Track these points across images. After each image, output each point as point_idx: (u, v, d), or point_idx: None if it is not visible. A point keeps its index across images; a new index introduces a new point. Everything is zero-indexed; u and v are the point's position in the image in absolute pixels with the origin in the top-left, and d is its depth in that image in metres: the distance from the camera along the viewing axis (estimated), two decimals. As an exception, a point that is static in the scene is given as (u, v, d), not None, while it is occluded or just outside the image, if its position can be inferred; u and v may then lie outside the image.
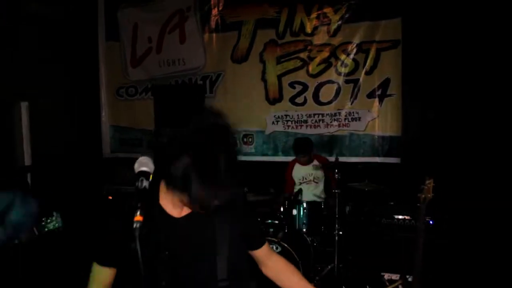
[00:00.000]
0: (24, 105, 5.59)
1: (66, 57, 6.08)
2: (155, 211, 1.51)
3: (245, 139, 6.25)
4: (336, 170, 4.43)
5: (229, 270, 1.52)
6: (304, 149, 5.03)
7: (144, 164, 1.40)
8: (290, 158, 5.45)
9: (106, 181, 5.82)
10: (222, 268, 1.51)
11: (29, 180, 5.52)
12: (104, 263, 1.57)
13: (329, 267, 4.38)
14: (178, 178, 1.30)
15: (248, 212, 1.70)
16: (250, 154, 6.22)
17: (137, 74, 6.70)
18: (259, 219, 1.85)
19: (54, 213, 2.83)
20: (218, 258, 1.52)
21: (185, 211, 1.53)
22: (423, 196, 2.94)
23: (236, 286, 1.56)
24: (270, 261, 1.77)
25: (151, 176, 1.37)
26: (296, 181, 5.16)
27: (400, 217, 3.96)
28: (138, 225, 1.26)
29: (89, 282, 1.60)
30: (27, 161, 5.65)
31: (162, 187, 1.53)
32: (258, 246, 1.72)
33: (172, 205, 1.52)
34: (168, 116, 5.83)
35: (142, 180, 1.35)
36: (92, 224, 3.35)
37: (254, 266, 1.75)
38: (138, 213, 1.27)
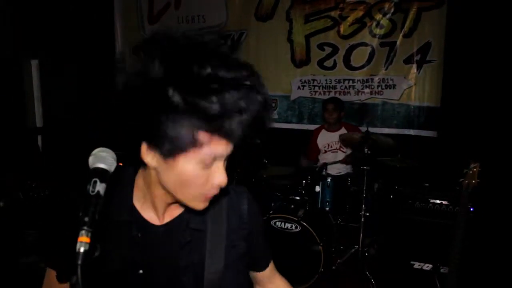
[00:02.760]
0: (34, 63, 5.32)
1: (79, 12, 5.73)
2: (124, 215, 1.12)
3: (268, 104, 5.89)
4: (366, 144, 4.04)
5: None
6: (334, 99, 4.76)
7: (102, 159, 1.00)
8: (315, 126, 5.16)
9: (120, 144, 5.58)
10: None
11: (40, 143, 5.32)
12: (54, 265, 1.19)
13: (353, 250, 4.10)
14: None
15: (254, 223, 1.27)
16: (273, 121, 5.85)
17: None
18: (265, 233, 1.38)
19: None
20: (207, 282, 1.15)
21: (168, 216, 1.16)
22: (467, 181, 2.68)
23: None
24: (272, 284, 1.43)
25: (108, 177, 0.99)
26: (321, 148, 4.86)
27: (437, 201, 3.57)
28: (82, 249, 0.88)
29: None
30: (39, 122, 5.43)
31: (139, 181, 1.14)
32: (262, 267, 1.37)
33: (152, 209, 1.15)
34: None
35: (95, 183, 0.96)
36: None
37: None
38: (84, 231, 0.89)
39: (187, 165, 0.96)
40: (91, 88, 5.90)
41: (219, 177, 1.01)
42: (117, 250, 1.10)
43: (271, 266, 1.39)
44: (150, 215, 1.15)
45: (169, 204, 1.14)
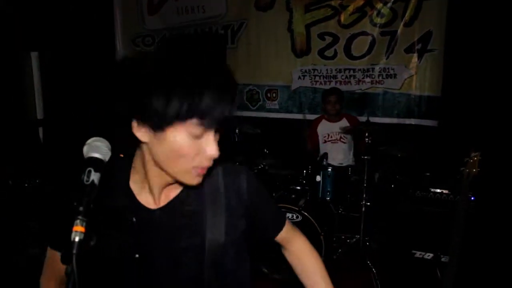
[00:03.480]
0: (34, 56, 5.30)
1: (78, 3, 5.70)
2: (120, 200, 1.14)
3: (268, 94, 5.93)
4: (367, 134, 4.04)
5: (222, 282, 1.20)
6: (334, 90, 4.71)
7: (96, 148, 1.00)
8: (316, 116, 5.11)
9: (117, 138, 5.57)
10: (212, 280, 1.17)
11: (41, 134, 5.31)
12: (57, 246, 1.22)
13: (354, 239, 4.10)
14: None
15: (254, 199, 1.27)
16: (274, 111, 5.92)
17: (154, 23, 6.30)
18: (272, 199, 1.57)
19: None
20: (206, 266, 1.16)
21: (164, 199, 1.17)
22: (467, 170, 2.64)
23: None
24: (292, 246, 1.45)
25: (103, 166, 0.99)
26: (321, 138, 4.83)
27: (437, 190, 3.56)
28: (77, 238, 0.88)
29: (43, 268, 1.29)
30: (39, 114, 5.41)
31: (135, 164, 1.15)
32: (274, 232, 1.39)
33: (147, 190, 1.16)
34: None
35: (89, 172, 0.96)
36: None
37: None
38: (79, 221, 0.90)
39: (177, 136, 1.00)
40: (91, 79, 5.89)
41: (209, 148, 1.04)
42: (113, 235, 1.11)
43: (286, 229, 1.40)
44: (146, 199, 1.16)
45: (165, 186, 1.15)
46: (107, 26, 6.37)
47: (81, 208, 0.91)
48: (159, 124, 0.98)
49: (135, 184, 1.16)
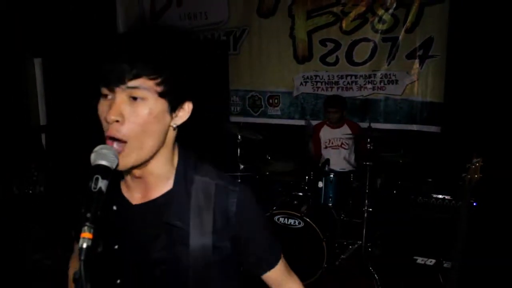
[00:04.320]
0: (37, 62, 5.32)
1: (81, 10, 5.72)
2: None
3: (270, 101, 5.95)
4: (369, 140, 4.05)
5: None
6: (335, 102, 4.67)
7: (103, 156, 1.01)
8: (318, 122, 5.08)
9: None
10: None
11: (44, 140, 5.32)
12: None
13: (356, 245, 4.10)
14: None
15: (245, 225, 1.17)
16: (276, 117, 5.93)
17: (156, 29, 6.30)
18: (268, 230, 1.27)
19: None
20: (192, 281, 1.11)
21: (143, 197, 1.13)
22: (469, 176, 2.63)
23: None
24: None
25: (110, 173, 1.00)
26: (322, 144, 4.83)
27: (440, 196, 3.56)
28: (85, 245, 0.89)
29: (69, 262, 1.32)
30: (42, 120, 5.43)
31: None
32: (263, 270, 1.25)
33: (131, 185, 1.14)
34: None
35: (97, 179, 0.97)
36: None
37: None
38: (87, 227, 0.91)
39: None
40: (94, 85, 5.91)
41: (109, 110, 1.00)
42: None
43: (278, 269, 1.26)
44: (127, 191, 1.15)
45: (134, 179, 1.12)
46: (110, 33, 6.40)
47: (88, 215, 0.91)
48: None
49: (123, 178, 1.16)
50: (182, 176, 1.14)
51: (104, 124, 1.02)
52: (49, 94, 5.43)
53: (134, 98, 0.99)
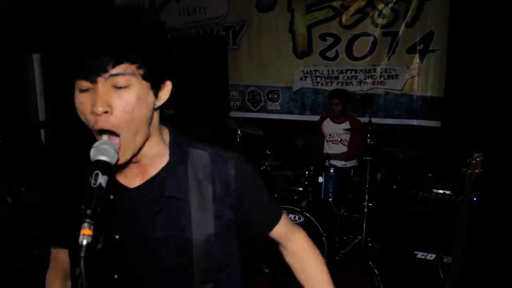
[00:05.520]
0: (36, 57, 5.29)
1: (80, 5, 5.69)
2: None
3: (270, 96, 5.94)
4: (369, 134, 4.04)
5: (213, 277, 1.13)
6: (339, 94, 4.67)
7: (103, 151, 1.00)
8: (317, 117, 5.10)
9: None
10: (202, 275, 1.11)
11: (43, 136, 5.31)
12: (59, 243, 1.21)
13: (356, 240, 4.10)
14: None
15: (245, 187, 1.18)
16: (275, 112, 5.93)
17: (156, 24, 6.28)
18: (267, 190, 1.27)
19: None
20: (195, 260, 1.09)
21: (140, 178, 1.11)
22: (470, 171, 2.60)
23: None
24: (291, 244, 1.35)
25: (110, 169, 0.98)
26: (326, 135, 4.81)
27: (440, 191, 3.55)
28: (85, 241, 0.88)
29: (49, 267, 1.28)
30: (41, 116, 5.41)
31: None
32: (268, 227, 1.27)
33: (126, 171, 1.11)
34: (187, 69, 5.53)
35: (97, 175, 0.96)
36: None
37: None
38: (87, 224, 0.89)
39: (75, 93, 1.02)
40: (70, 80, 5.89)
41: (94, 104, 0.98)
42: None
43: (283, 224, 1.29)
44: (124, 177, 1.11)
45: (130, 164, 1.09)
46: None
47: (88, 211, 0.90)
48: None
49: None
50: (176, 150, 1.14)
51: (90, 118, 1.00)
52: (48, 90, 5.41)
53: (118, 88, 0.97)
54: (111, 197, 1.08)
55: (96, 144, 1.01)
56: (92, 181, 0.95)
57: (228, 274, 1.18)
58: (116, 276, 1.10)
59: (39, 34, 5.16)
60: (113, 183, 1.07)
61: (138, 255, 1.10)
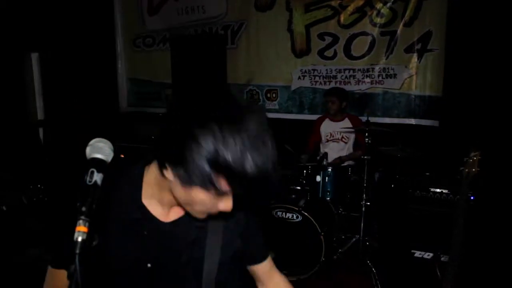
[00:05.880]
0: (34, 56, 5.29)
1: (79, 4, 5.69)
2: (134, 213, 1.16)
3: (268, 95, 5.93)
4: (366, 134, 4.05)
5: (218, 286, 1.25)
6: (334, 92, 4.67)
7: (99, 149, 1.01)
8: (315, 117, 5.09)
9: (121, 137, 5.55)
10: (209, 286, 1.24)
11: (41, 135, 5.31)
12: (60, 264, 1.22)
13: (354, 239, 4.11)
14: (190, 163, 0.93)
15: (251, 221, 1.33)
16: (273, 111, 5.90)
17: (154, 23, 6.33)
18: (261, 229, 1.43)
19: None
20: (205, 275, 1.22)
21: (174, 214, 1.21)
22: (467, 170, 2.62)
23: None
24: (271, 282, 1.44)
25: (106, 166, 1.00)
26: (323, 137, 4.81)
27: (437, 190, 3.56)
28: (80, 238, 0.89)
29: None
30: (40, 115, 5.42)
31: (148, 179, 1.17)
32: (259, 261, 1.40)
33: (159, 205, 1.19)
34: (186, 69, 5.54)
35: (92, 173, 0.97)
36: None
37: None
38: (82, 221, 0.90)
39: (201, 194, 1.00)
40: (92, 79, 5.89)
41: (225, 206, 1.06)
42: (127, 245, 1.16)
43: (269, 262, 1.41)
44: (157, 211, 1.19)
45: (176, 203, 1.17)
46: (107, 27, 6.38)
47: (83, 208, 0.91)
48: (189, 183, 0.97)
49: (146, 197, 1.18)
50: None
51: (207, 210, 1.07)
52: (47, 89, 5.41)
53: None
54: (145, 232, 1.17)
55: (91, 142, 1.03)
56: (88, 178, 0.96)
57: None
58: None
59: (38, 33, 5.16)
60: (147, 216, 1.18)
61: (168, 279, 1.21)
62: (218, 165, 0.92)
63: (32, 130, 5.26)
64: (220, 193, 0.99)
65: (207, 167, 0.92)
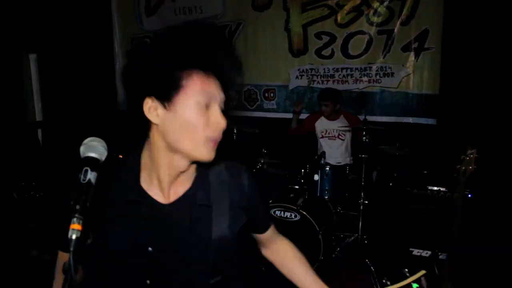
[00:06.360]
0: (32, 58, 5.30)
1: (77, 5, 5.70)
2: (131, 195, 1.18)
3: (266, 94, 5.93)
4: (364, 132, 4.06)
5: (222, 264, 1.26)
6: (327, 96, 4.66)
7: (93, 148, 1.02)
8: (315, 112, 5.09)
9: (119, 137, 5.56)
10: (216, 262, 1.24)
11: (40, 136, 5.31)
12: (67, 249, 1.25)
13: (352, 237, 4.12)
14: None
15: (254, 196, 1.36)
16: (272, 110, 5.93)
17: (151, 24, 6.29)
18: (265, 200, 1.60)
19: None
20: (213, 250, 1.22)
21: (174, 195, 1.21)
22: (463, 168, 2.62)
23: (229, 281, 1.30)
24: (275, 244, 1.54)
25: (99, 165, 1.01)
26: (318, 133, 4.83)
27: (435, 188, 3.57)
28: (74, 236, 0.90)
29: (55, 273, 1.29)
30: (38, 116, 5.42)
31: (144, 161, 1.20)
32: (262, 231, 1.48)
33: (159, 187, 1.20)
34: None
35: (86, 171, 0.98)
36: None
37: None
38: (76, 219, 0.91)
39: (186, 108, 1.08)
40: (90, 80, 5.89)
41: (217, 118, 1.12)
42: (126, 230, 1.17)
43: (271, 230, 1.49)
44: (157, 194, 1.20)
45: (175, 179, 1.19)
46: (105, 28, 6.37)
47: (77, 207, 0.93)
48: (169, 90, 1.08)
49: (144, 181, 1.20)
50: (201, 164, 1.23)
51: (203, 130, 1.12)
52: (45, 90, 5.42)
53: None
54: (146, 213, 1.18)
55: (85, 141, 1.04)
56: (82, 177, 0.97)
57: (238, 273, 1.35)
58: (148, 281, 1.19)
59: (36, 34, 5.17)
60: (147, 201, 1.19)
61: (172, 262, 1.21)
62: (175, 57, 1.06)
63: (31, 131, 5.26)
64: (200, 96, 1.09)
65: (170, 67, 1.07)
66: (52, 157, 5.06)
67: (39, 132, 5.34)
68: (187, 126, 1.09)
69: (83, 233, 0.92)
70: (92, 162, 1.00)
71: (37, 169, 4.57)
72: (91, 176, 0.98)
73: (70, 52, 5.61)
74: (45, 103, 5.44)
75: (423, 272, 2.61)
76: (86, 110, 5.61)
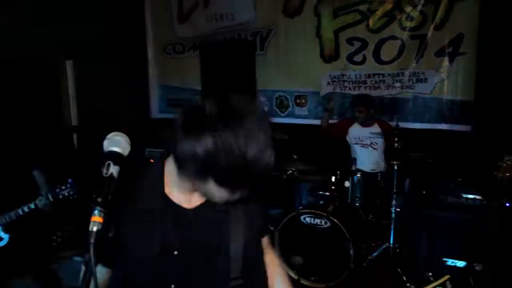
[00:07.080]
0: (69, 64, 5.44)
1: (111, 13, 5.84)
2: (157, 203, 1.21)
3: (297, 100, 5.92)
4: (396, 139, 3.98)
5: (243, 266, 1.29)
6: (361, 101, 4.62)
7: (116, 142, 1.04)
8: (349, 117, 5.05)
9: (151, 143, 5.66)
10: (236, 265, 1.27)
11: (75, 140, 5.44)
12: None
13: (384, 246, 4.02)
14: (193, 164, 1.01)
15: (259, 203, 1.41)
16: (303, 117, 5.90)
17: (184, 30, 6.39)
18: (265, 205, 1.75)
19: (69, 180, 2.72)
20: (232, 254, 1.26)
21: (196, 200, 1.24)
22: (501, 175, 2.53)
23: (250, 283, 1.34)
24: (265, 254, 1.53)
25: (122, 160, 1.02)
26: (352, 140, 4.76)
27: (470, 196, 3.45)
28: (95, 228, 0.91)
29: None
30: (74, 121, 5.56)
31: (168, 169, 1.21)
32: (264, 234, 1.50)
33: (181, 193, 1.23)
34: (215, 75, 5.59)
35: (109, 165, 1.00)
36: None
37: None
38: (97, 211, 0.92)
39: (211, 188, 1.07)
40: (124, 86, 6.01)
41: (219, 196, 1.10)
42: (153, 236, 1.20)
43: (266, 239, 1.49)
44: (180, 200, 1.22)
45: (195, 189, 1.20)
46: (138, 35, 6.51)
47: (99, 200, 0.94)
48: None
49: (167, 186, 1.22)
50: None
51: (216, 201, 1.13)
52: (80, 95, 5.55)
53: None
54: (172, 219, 1.21)
55: (109, 135, 1.06)
56: (104, 170, 0.99)
57: (257, 271, 1.39)
58: (173, 286, 1.23)
59: (72, 41, 5.31)
60: (171, 207, 1.22)
61: (196, 264, 1.25)
62: (218, 161, 0.97)
63: (67, 135, 5.39)
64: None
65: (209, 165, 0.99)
66: (87, 162, 5.17)
67: (75, 136, 5.46)
68: (207, 194, 1.12)
69: (104, 226, 0.92)
70: (115, 157, 1.02)
71: (72, 172, 4.68)
72: (114, 170, 0.99)
73: (105, 58, 5.74)
74: (81, 108, 5.57)
75: (447, 276, 2.53)
76: (120, 115, 5.73)
